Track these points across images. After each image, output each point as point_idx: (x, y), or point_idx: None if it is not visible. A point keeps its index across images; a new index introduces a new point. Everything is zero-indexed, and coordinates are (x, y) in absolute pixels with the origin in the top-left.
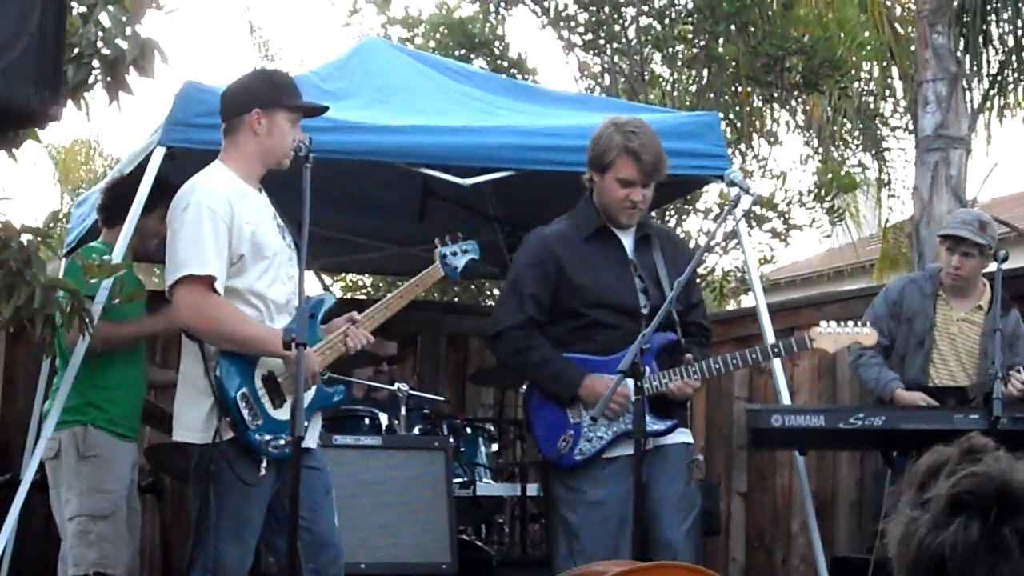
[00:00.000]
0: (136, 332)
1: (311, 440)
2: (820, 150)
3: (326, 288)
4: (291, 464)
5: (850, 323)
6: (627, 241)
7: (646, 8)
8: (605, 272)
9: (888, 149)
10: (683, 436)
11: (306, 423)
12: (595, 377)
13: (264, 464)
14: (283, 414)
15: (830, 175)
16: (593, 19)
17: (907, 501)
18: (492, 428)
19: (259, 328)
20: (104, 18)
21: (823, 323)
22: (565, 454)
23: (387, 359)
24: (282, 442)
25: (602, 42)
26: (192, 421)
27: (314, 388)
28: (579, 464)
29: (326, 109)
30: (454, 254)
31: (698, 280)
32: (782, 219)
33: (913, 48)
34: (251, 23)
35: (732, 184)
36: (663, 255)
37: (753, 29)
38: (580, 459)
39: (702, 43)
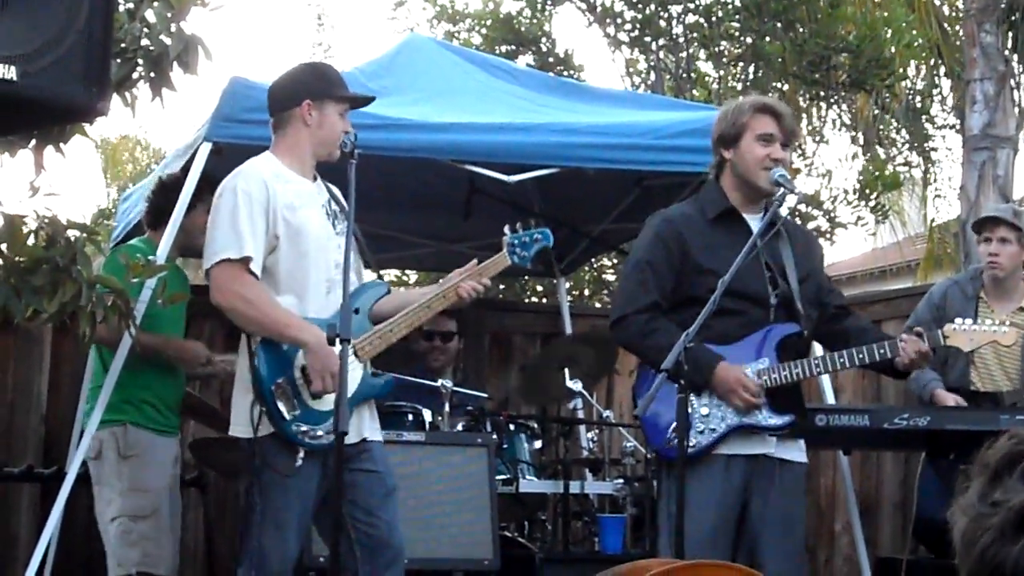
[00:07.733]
0: (152, 344)
1: (365, 432)
2: (866, 148)
3: (380, 277)
4: (334, 459)
5: (987, 321)
6: (755, 226)
7: (692, 5)
8: (732, 257)
9: (935, 148)
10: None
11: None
12: (725, 365)
13: (301, 455)
14: (323, 405)
15: (875, 172)
16: (639, 16)
17: (977, 488)
18: (535, 425)
19: (282, 312)
20: (149, 14)
21: (958, 320)
22: (675, 445)
23: (443, 335)
24: (320, 433)
25: (648, 39)
26: (238, 415)
27: (359, 378)
28: (689, 458)
29: (373, 99)
30: (523, 243)
31: None
32: (827, 217)
33: (961, 46)
34: (319, 16)
35: (777, 183)
36: (793, 249)
37: (800, 27)
38: (690, 452)
39: (748, 41)
